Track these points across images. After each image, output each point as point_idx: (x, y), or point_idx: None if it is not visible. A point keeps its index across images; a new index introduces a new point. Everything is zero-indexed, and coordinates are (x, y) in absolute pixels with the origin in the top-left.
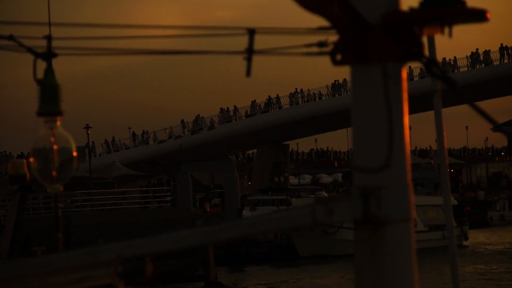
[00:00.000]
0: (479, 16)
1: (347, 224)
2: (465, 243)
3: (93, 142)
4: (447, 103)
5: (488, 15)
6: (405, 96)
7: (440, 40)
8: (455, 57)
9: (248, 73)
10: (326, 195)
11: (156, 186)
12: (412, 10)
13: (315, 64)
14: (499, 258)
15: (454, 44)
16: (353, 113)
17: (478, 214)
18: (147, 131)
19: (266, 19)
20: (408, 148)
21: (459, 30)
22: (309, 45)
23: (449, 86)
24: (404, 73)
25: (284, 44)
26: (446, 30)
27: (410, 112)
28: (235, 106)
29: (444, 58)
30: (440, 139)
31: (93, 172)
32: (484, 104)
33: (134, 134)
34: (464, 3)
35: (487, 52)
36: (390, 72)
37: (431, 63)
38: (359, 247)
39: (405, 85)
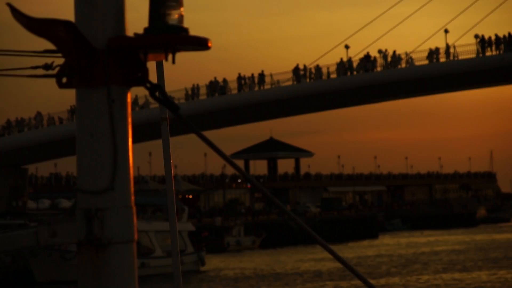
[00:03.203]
0: (201, 44)
1: None
2: (202, 268)
3: None
4: (183, 130)
5: (210, 43)
6: (129, 119)
7: (182, 68)
8: (198, 84)
9: None
10: None
11: None
12: (137, 36)
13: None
14: (234, 283)
15: (195, 71)
16: (78, 135)
17: (215, 240)
18: None
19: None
20: (132, 171)
21: (200, 58)
22: (35, 68)
23: (173, 113)
24: (129, 97)
25: (13, 65)
26: (170, 56)
27: (151, 138)
28: None
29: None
30: (167, 166)
31: None
32: (223, 132)
33: None
34: (187, 31)
35: (225, 81)
36: (115, 96)
37: (155, 89)
38: (82, 268)
39: (129, 109)
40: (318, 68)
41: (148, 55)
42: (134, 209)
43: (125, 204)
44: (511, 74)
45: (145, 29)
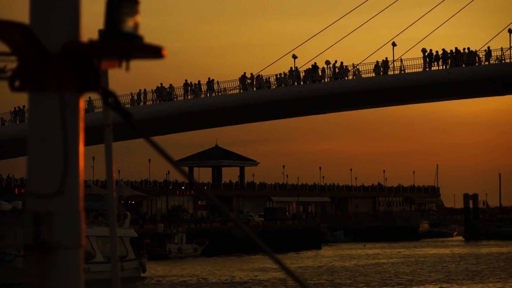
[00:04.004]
0: (155, 52)
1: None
2: (143, 275)
3: None
4: (128, 135)
5: (164, 52)
6: (81, 125)
7: (127, 72)
8: (145, 89)
9: None
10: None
11: None
12: (91, 42)
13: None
14: None
15: (142, 77)
16: (29, 139)
17: (157, 247)
18: None
19: None
20: (82, 176)
21: (146, 63)
22: None
23: (125, 119)
24: (82, 103)
25: None
26: (124, 63)
27: (95, 143)
28: None
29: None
30: (109, 172)
31: None
32: (168, 138)
33: None
34: (141, 39)
35: (171, 87)
36: (68, 101)
37: (107, 95)
38: (29, 272)
39: (82, 114)
40: (259, 77)
41: (102, 62)
42: (83, 214)
43: (74, 209)
44: (457, 89)
45: (100, 36)
